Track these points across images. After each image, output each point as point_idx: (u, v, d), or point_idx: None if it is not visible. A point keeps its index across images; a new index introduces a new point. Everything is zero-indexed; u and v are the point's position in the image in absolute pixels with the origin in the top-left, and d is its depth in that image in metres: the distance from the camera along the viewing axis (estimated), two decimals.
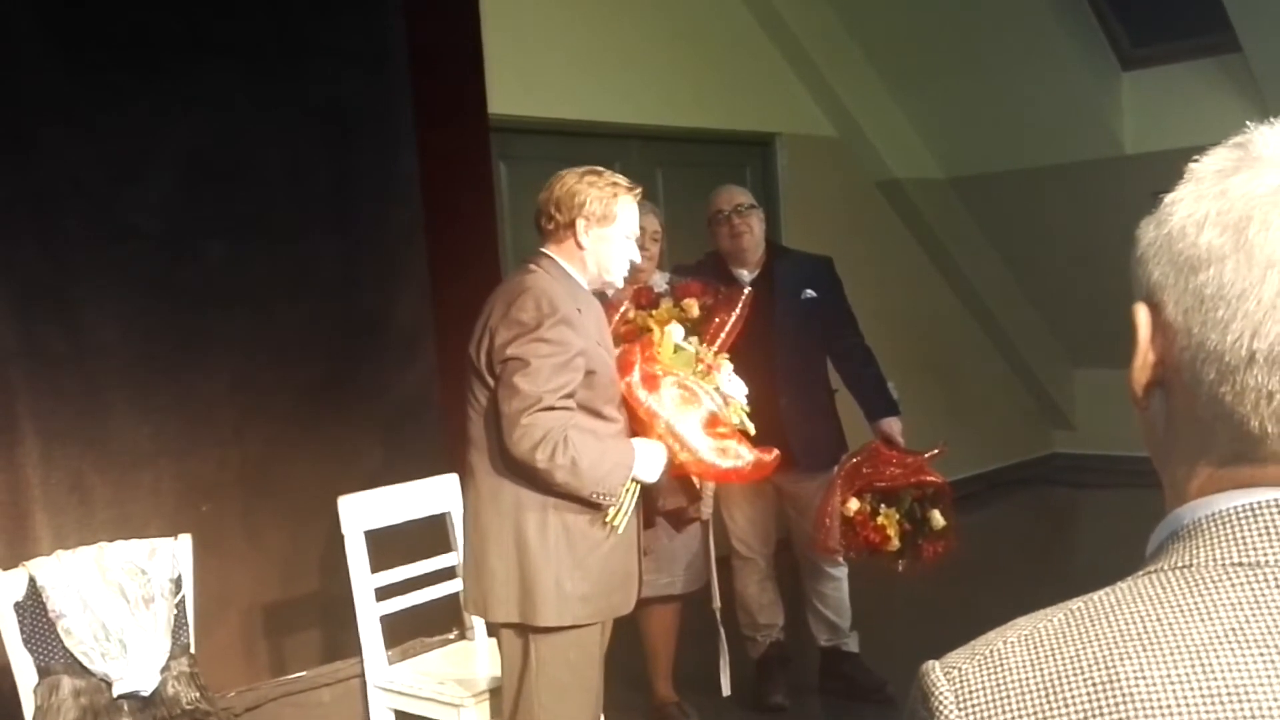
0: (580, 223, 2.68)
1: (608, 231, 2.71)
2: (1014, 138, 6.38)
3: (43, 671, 2.75)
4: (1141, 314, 0.71)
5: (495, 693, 3.02)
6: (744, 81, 5.95)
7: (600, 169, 2.77)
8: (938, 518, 3.72)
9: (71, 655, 2.78)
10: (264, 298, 3.66)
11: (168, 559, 3.00)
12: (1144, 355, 0.71)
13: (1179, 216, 0.69)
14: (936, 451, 3.85)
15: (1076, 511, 7.26)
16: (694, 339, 3.04)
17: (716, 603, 3.78)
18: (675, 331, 2.97)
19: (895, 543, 3.67)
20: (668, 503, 3.15)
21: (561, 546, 2.63)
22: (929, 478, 3.77)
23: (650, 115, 5.49)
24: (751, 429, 2.92)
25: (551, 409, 2.53)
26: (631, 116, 5.42)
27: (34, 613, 2.76)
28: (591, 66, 5.22)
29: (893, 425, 3.95)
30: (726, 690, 3.76)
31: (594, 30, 5.25)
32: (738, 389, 2.95)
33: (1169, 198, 0.71)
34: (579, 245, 2.70)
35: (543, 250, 2.75)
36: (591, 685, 2.78)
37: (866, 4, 6.09)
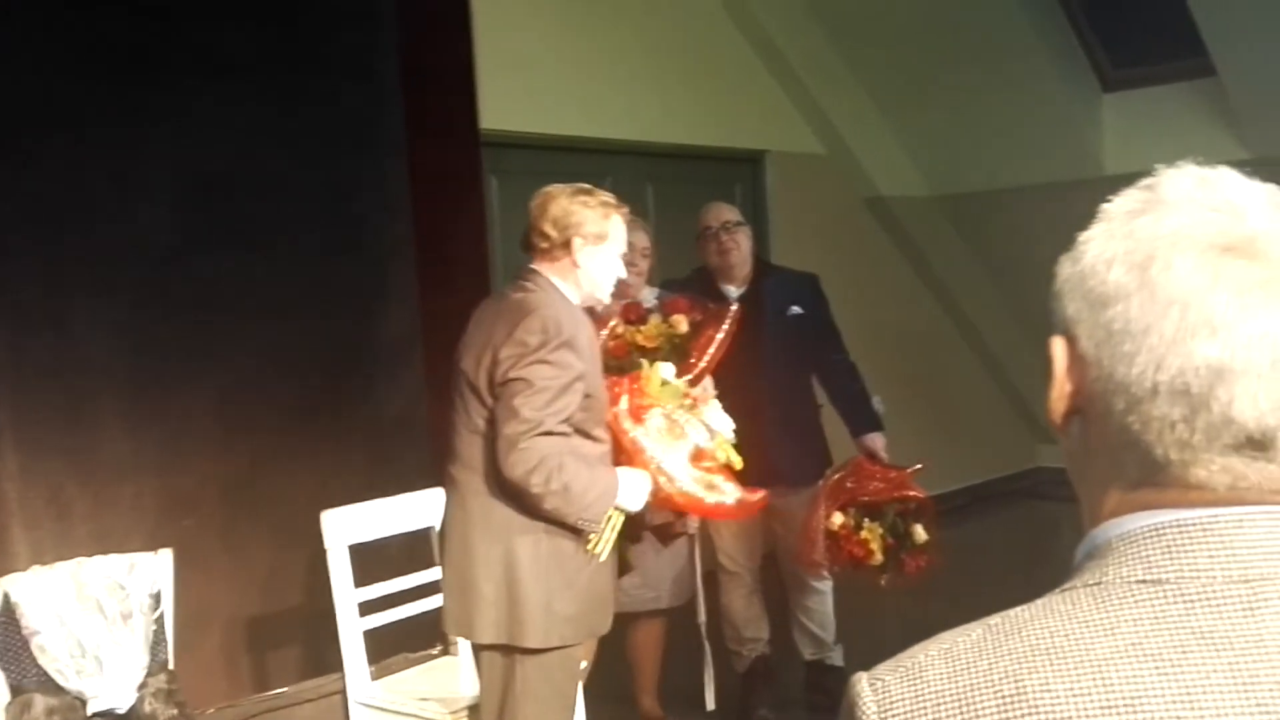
0: (577, 241, 2.61)
1: (602, 250, 2.65)
2: (998, 157, 6.34)
3: (15, 690, 2.63)
4: (1058, 346, 0.74)
5: (476, 709, 2.91)
6: (734, 99, 5.89)
7: (588, 186, 2.70)
8: (920, 532, 3.68)
9: (45, 673, 2.66)
10: (252, 312, 3.55)
11: (147, 574, 2.87)
12: (1061, 385, 0.74)
13: (1091, 255, 0.72)
14: (919, 467, 3.82)
15: (1060, 525, 7.15)
16: (681, 380, 2.94)
17: (702, 617, 3.75)
18: (664, 369, 2.88)
19: (879, 557, 3.63)
20: (654, 518, 3.13)
21: (553, 569, 2.55)
22: (912, 492, 3.75)
23: (641, 131, 5.42)
24: (738, 463, 2.84)
25: (550, 434, 2.46)
26: (622, 133, 5.34)
27: (7, 629, 2.65)
28: (583, 83, 5.15)
29: (876, 440, 3.92)
30: (711, 704, 3.72)
31: (585, 47, 5.18)
32: (724, 424, 2.87)
33: (1083, 236, 0.73)
34: (574, 264, 2.63)
35: (534, 268, 2.66)
36: (571, 704, 2.73)
37: (855, 24, 6.04)
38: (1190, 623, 0.66)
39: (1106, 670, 0.64)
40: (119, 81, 3.31)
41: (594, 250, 2.62)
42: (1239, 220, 0.69)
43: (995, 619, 0.71)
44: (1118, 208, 0.73)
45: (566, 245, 2.60)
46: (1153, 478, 0.69)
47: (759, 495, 2.90)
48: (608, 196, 2.68)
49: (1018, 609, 0.71)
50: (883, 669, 0.72)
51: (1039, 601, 0.70)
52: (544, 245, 2.62)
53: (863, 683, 0.72)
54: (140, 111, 3.35)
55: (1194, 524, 0.68)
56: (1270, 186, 0.72)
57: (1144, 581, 0.67)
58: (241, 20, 3.56)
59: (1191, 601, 0.66)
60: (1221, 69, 5.43)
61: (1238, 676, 0.64)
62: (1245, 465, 0.68)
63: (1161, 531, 0.68)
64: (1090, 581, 0.69)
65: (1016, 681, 0.66)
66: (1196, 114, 5.76)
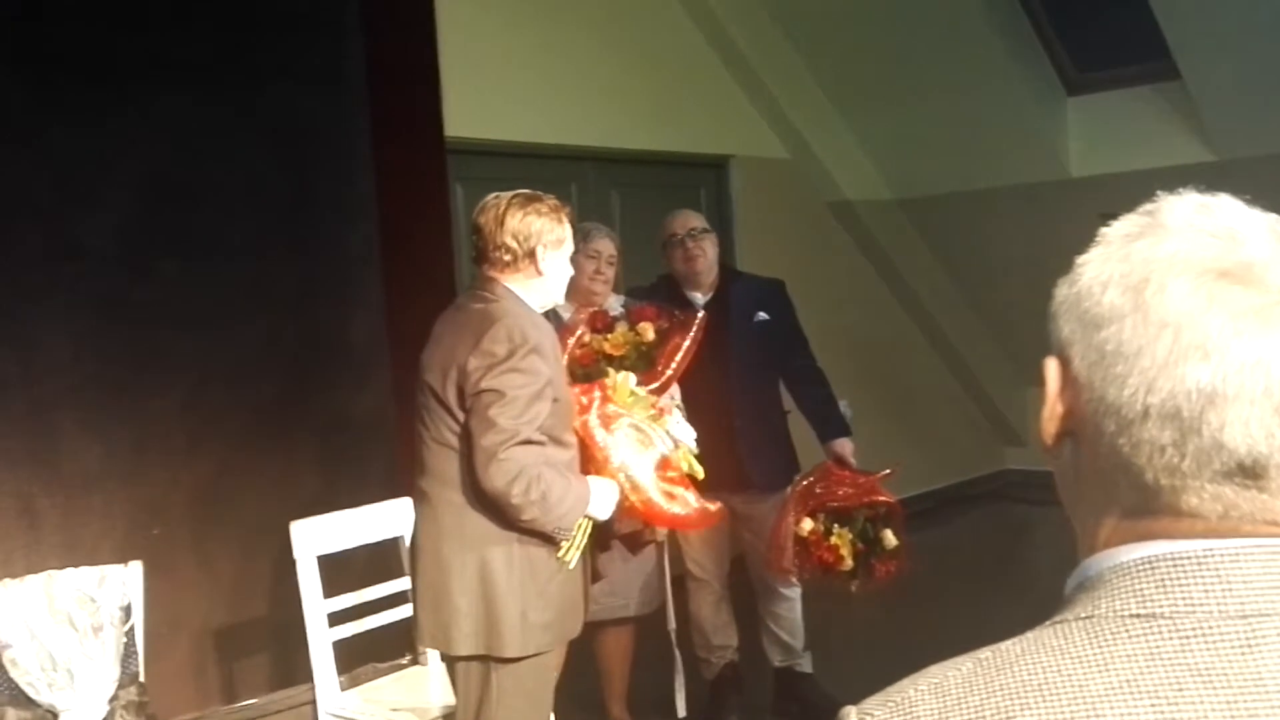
0: (540, 250, 2.67)
1: (561, 255, 2.74)
2: (962, 160, 6.45)
3: None
4: (1051, 367, 0.75)
5: (449, 718, 3.00)
6: (698, 104, 5.99)
7: (529, 192, 2.75)
8: (890, 537, 3.74)
9: (16, 686, 2.72)
10: (218, 318, 3.62)
11: (117, 586, 2.94)
12: (1053, 406, 0.74)
13: (1087, 277, 0.73)
14: (888, 472, 3.88)
15: (1028, 527, 7.33)
16: (642, 389, 3.04)
17: (671, 624, 3.80)
18: (629, 379, 2.98)
19: (849, 563, 3.69)
20: (623, 526, 3.17)
21: (527, 578, 2.62)
22: (881, 497, 3.80)
23: (606, 138, 5.50)
24: (700, 473, 2.94)
25: (528, 443, 2.52)
26: (587, 139, 5.42)
27: None
28: (547, 89, 5.23)
29: (844, 446, 3.97)
30: (682, 712, 3.78)
31: (549, 53, 5.26)
32: (687, 434, 2.97)
33: (1080, 259, 0.74)
34: (539, 272, 2.69)
35: (491, 277, 2.71)
36: (546, 710, 2.81)
37: (816, 27, 6.14)
38: (1186, 659, 0.65)
39: (1101, 708, 0.64)
40: (81, 88, 3.37)
41: (555, 255, 2.70)
42: (1237, 247, 0.69)
43: (985, 653, 0.71)
44: (1116, 231, 0.74)
45: (531, 255, 2.66)
46: (1145, 505, 0.70)
47: (716, 506, 2.99)
48: (552, 199, 2.75)
49: (1008, 643, 0.71)
50: (871, 703, 0.72)
51: (1029, 635, 0.71)
52: (507, 258, 2.66)
53: (852, 717, 0.72)
54: (101, 117, 3.41)
55: (1188, 557, 0.68)
56: (1271, 216, 0.73)
57: (1138, 616, 0.67)
58: (204, 25, 3.63)
59: (1187, 637, 0.66)
60: (1186, 72, 5.53)
61: (1235, 715, 0.64)
62: (1236, 494, 0.68)
63: (1155, 564, 0.68)
64: (1082, 615, 0.69)
65: (1008, 718, 0.66)
66: (1162, 117, 5.87)
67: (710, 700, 4.06)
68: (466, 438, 2.58)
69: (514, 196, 2.72)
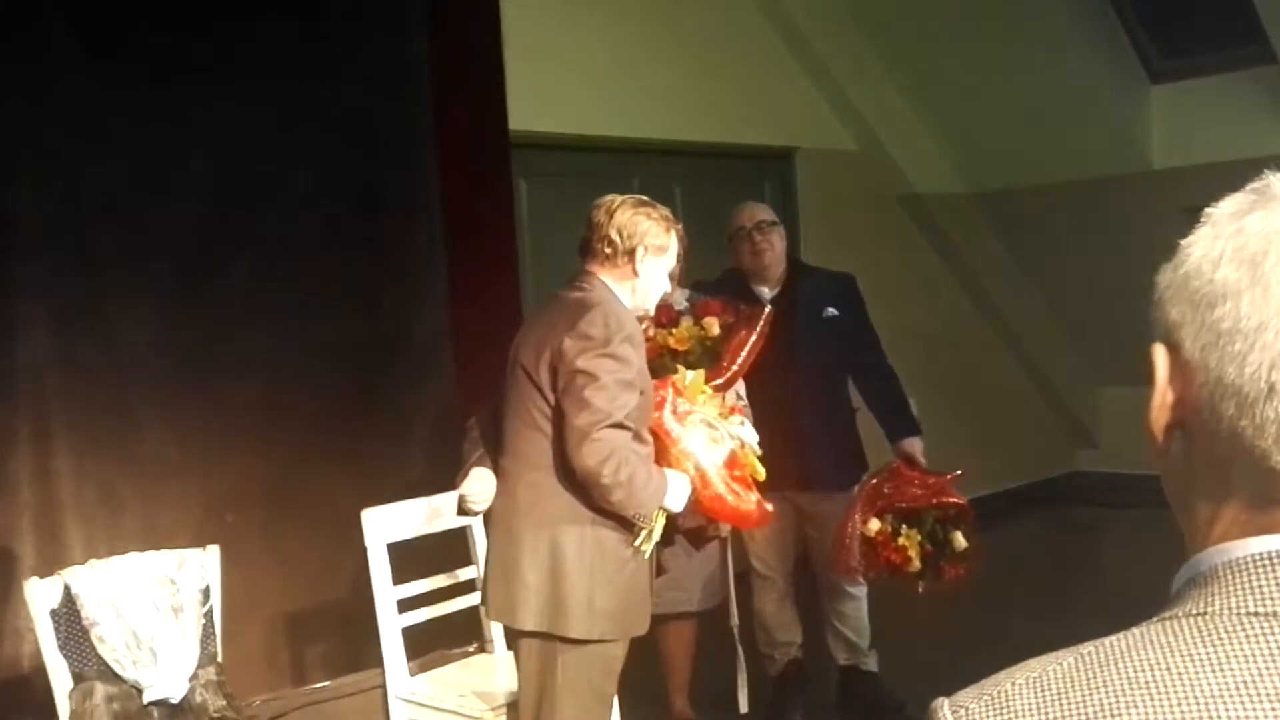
0: (640, 251, 2.85)
1: (660, 262, 2.90)
2: (1038, 152, 6.48)
3: (77, 677, 2.93)
4: (1159, 354, 0.73)
5: (514, 706, 3.18)
6: (763, 95, 6.08)
7: (646, 199, 2.95)
8: (960, 539, 3.81)
9: (104, 662, 2.96)
10: (288, 314, 3.86)
11: (196, 569, 3.18)
12: (1162, 395, 0.73)
13: (1195, 256, 0.72)
14: (959, 473, 3.94)
15: (1099, 531, 7.36)
16: (712, 384, 3.20)
17: (734, 620, 3.92)
18: (700, 377, 3.14)
19: (916, 564, 3.76)
20: (686, 521, 3.27)
21: (596, 562, 2.78)
22: (951, 499, 3.86)
23: (669, 130, 5.64)
24: (762, 474, 3.09)
25: (619, 426, 2.68)
26: (651, 132, 5.56)
27: (69, 620, 2.95)
28: (611, 82, 5.37)
29: (914, 445, 4.02)
30: (744, 708, 3.90)
31: (613, 46, 5.41)
32: (750, 435, 3.12)
33: (1185, 241, 0.73)
34: (635, 273, 2.87)
35: (590, 271, 2.89)
36: (609, 702, 2.95)
37: (887, 15, 6.19)
38: None
39: (1215, 709, 0.63)
40: (155, 87, 3.61)
41: (654, 261, 2.88)
42: None
43: (1088, 648, 0.70)
44: (1222, 210, 0.72)
45: (630, 254, 2.84)
46: (1267, 493, 0.68)
47: (770, 507, 3.11)
48: (666, 211, 2.95)
49: (1112, 638, 0.70)
50: (965, 695, 0.72)
51: (1135, 630, 0.69)
52: (608, 251, 2.85)
53: (944, 709, 0.72)
54: (174, 117, 3.65)
55: None
56: None
57: (1255, 614, 0.66)
58: (272, 25, 3.86)
59: None
60: None
61: None
62: None
63: (1275, 560, 0.67)
64: (1193, 611, 0.68)
65: (1114, 716, 0.65)
66: (1252, 104, 5.85)
67: (774, 697, 4.18)
68: (556, 419, 2.75)
69: (631, 197, 2.92)
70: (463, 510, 3.02)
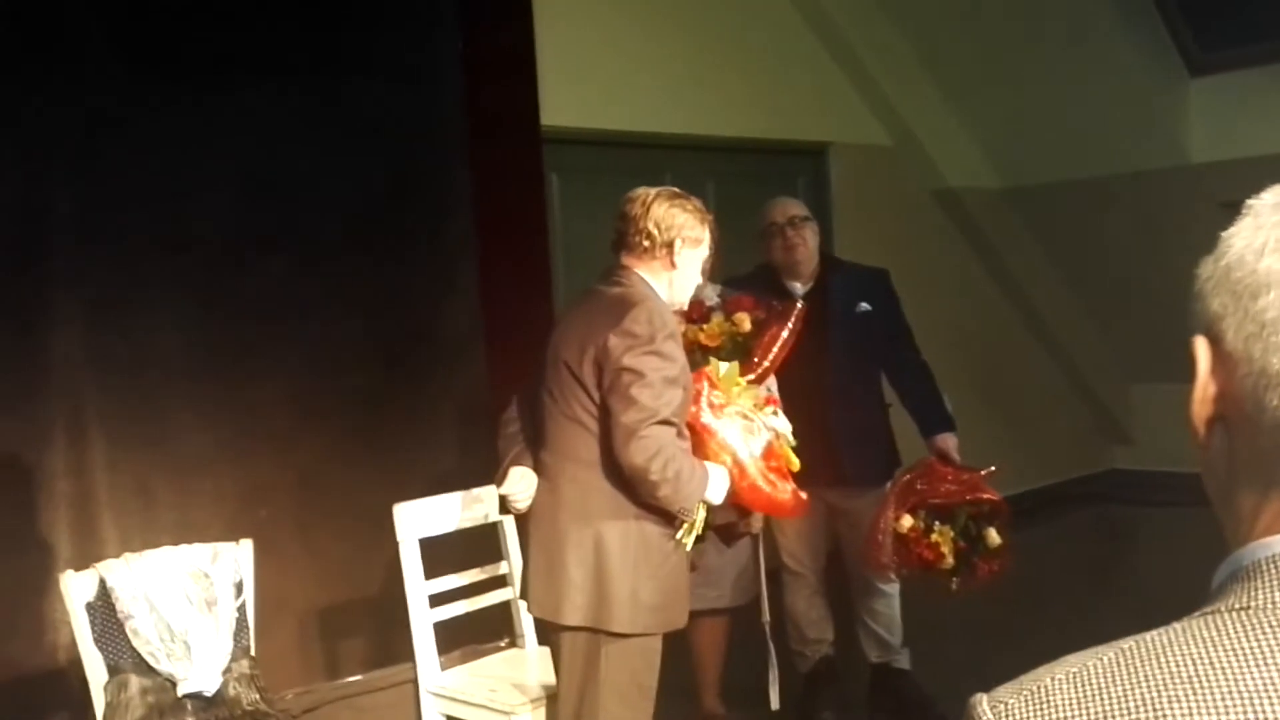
0: (677, 243, 2.86)
1: (695, 255, 2.91)
2: (1074, 146, 6.44)
3: (112, 670, 2.97)
4: (1201, 347, 0.73)
5: (547, 700, 3.20)
6: (796, 90, 6.08)
7: (680, 191, 2.95)
8: (994, 536, 3.79)
9: (139, 655, 2.99)
10: (320, 308, 3.90)
11: (230, 563, 3.21)
12: (1204, 388, 0.72)
13: (1238, 247, 0.71)
14: (994, 469, 3.92)
15: (1135, 529, 7.32)
16: (742, 381, 3.21)
17: (766, 617, 3.91)
18: (734, 369, 3.15)
19: (949, 561, 3.75)
20: (718, 517, 3.29)
21: (640, 557, 2.80)
22: (985, 495, 3.85)
23: (701, 125, 5.64)
24: (797, 465, 3.10)
25: (666, 423, 2.70)
26: (683, 127, 5.57)
27: (104, 613, 2.98)
28: (643, 77, 5.39)
29: (948, 441, 4.01)
30: (775, 704, 3.89)
31: (645, 41, 5.42)
32: (784, 426, 3.13)
33: (1226, 233, 0.73)
34: (672, 265, 2.88)
35: (626, 265, 2.90)
36: (651, 696, 2.95)
37: (921, 8, 6.17)
38: None
39: (1260, 704, 0.63)
40: (183, 83, 3.65)
41: (691, 254, 2.89)
42: None
43: (1128, 643, 0.69)
44: (1264, 201, 0.72)
45: (668, 246, 2.85)
46: None
47: (804, 495, 3.13)
48: (699, 202, 2.95)
49: (1153, 633, 0.69)
50: (1005, 691, 0.71)
51: (1177, 625, 0.69)
52: (645, 244, 2.86)
53: (983, 705, 0.71)
54: (203, 112, 3.69)
55: None
56: None
57: None
58: (303, 20, 3.89)
59: None
60: None
61: None
62: None
63: None
64: (1236, 606, 0.67)
65: (1156, 711, 0.64)
66: None
67: (804, 693, 4.19)
68: (601, 415, 2.77)
69: (664, 189, 2.92)
70: (505, 510, 3.04)
